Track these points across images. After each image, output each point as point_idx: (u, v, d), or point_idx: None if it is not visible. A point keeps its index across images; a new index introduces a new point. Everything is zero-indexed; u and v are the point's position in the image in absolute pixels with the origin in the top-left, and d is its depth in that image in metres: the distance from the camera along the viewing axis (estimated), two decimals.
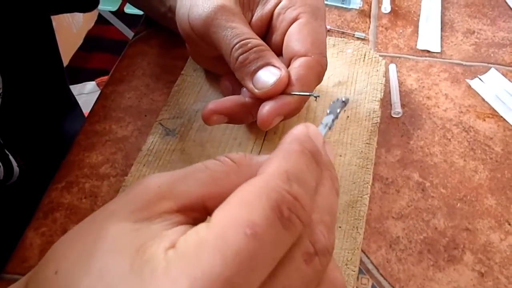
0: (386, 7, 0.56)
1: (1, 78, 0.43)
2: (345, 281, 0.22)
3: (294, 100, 0.35)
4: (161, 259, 0.18)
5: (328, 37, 0.45)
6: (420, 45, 0.52)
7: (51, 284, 0.20)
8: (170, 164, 0.41)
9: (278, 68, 0.35)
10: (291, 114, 0.37)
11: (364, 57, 0.47)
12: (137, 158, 0.41)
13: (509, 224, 0.39)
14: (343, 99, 0.28)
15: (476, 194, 0.41)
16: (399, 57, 0.51)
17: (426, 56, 0.51)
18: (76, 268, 0.20)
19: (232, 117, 0.38)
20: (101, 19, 1.86)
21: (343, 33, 0.54)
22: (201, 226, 0.19)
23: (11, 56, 0.46)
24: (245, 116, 0.38)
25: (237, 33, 0.36)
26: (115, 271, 0.19)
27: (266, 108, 0.35)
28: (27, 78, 0.50)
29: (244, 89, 0.37)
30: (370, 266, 0.37)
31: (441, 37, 0.53)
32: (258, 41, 0.36)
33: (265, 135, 0.42)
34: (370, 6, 0.57)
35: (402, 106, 0.47)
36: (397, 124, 0.45)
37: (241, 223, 0.18)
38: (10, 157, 0.45)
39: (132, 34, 0.56)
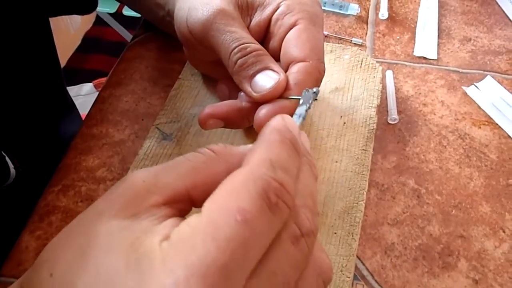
0: (384, 13, 0.56)
1: None
2: (331, 262, 0.24)
3: (292, 105, 0.35)
4: (157, 251, 0.19)
5: (325, 43, 0.45)
6: (417, 52, 0.53)
7: (46, 287, 0.20)
8: None
9: (277, 72, 0.35)
10: None
11: (361, 64, 0.47)
12: (133, 162, 0.42)
13: (504, 232, 0.39)
14: (314, 90, 0.31)
15: (471, 201, 0.41)
16: (396, 64, 0.52)
17: (422, 63, 0.52)
18: (71, 269, 0.20)
19: (229, 121, 0.38)
20: (99, 20, 1.86)
21: (340, 39, 0.54)
22: (192, 217, 0.20)
23: (8, 57, 0.46)
24: (241, 121, 0.38)
25: (236, 37, 0.36)
26: (112, 268, 0.19)
27: (263, 112, 0.35)
28: (24, 79, 0.50)
29: (241, 93, 0.38)
30: (365, 273, 0.37)
31: (438, 44, 0.53)
32: (257, 45, 0.36)
33: None
34: (368, 13, 0.57)
35: (399, 112, 0.47)
36: (393, 131, 0.46)
37: (231, 210, 0.19)
38: (7, 159, 0.44)
39: (130, 36, 0.56)
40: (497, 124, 0.46)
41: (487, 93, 0.48)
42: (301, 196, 0.23)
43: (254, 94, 0.35)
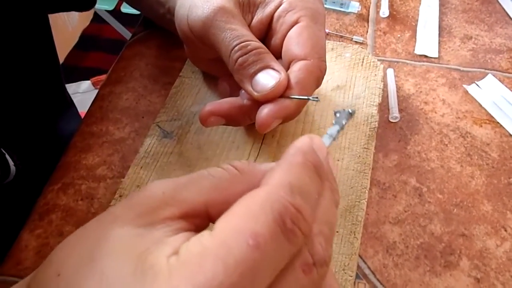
0: (385, 11, 0.56)
1: None
2: None
3: (293, 104, 0.35)
4: (163, 265, 0.18)
5: (326, 41, 0.44)
6: (418, 50, 0.52)
7: (53, 286, 0.20)
8: (167, 166, 0.40)
9: (278, 71, 0.35)
10: (289, 118, 0.37)
11: (363, 62, 0.47)
12: (134, 160, 0.41)
13: (505, 230, 0.39)
14: (350, 111, 0.29)
15: (473, 200, 0.41)
16: (397, 62, 0.51)
17: (423, 61, 0.52)
18: (78, 270, 0.20)
19: (230, 119, 0.38)
20: (96, 17, 1.86)
21: (341, 37, 0.54)
22: (204, 234, 0.19)
23: (7, 54, 0.46)
24: (242, 118, 0.38)
25: (236, 35, 0.36)
26: (117, 275, 0.19)
27: (264, 111, 0.35)
28: (23, 76, 0.50)
29: (242, 91, 0.37)
30: (367, 271, 0.37)
31: (439, 43, 0.53)
32: (258, 43, 0.36)
33: (263, 138, 0.42)
34: (369, 11, 0.57)
35: (400, 111, 0.47)
36: (394, 129, 0.45)
37: (244, 233, 0.18)
38: (7, 156, 0.44)
39: (128, 33, 0.56)
40: (498, 122, 0.46)
41: (488, 92, 0.48)
42: (318, 223, 0.22)
43: (255, 93, 0.35)
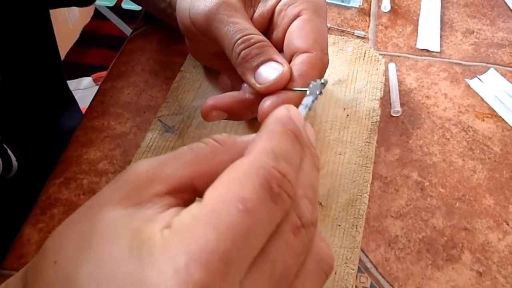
0: (386, 5, 0.56)
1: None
2: (332, 252, 0.23)
3: (296, 96, 0.35)
4: (158, 239, 0.19)
5: (328, 35, 0.44)
6: (420, 44, 0.52)
7: (50, 274, 0.20)
8: None
9: (281, 63, 0.35)
10: None
11: (364, 56, 0.47)
12: (136, 154, 0.41)
13: (507, 224, 0.39)
14: (322, 81, 0.30)
15: (475, 194, 0.41)
16: (399, 56, 0.51)
17: (425, 56, 0.51)
18: (74, 257, 0.20)
19: (232, 113, 0.37)
20: (97, 14, 1.85)
21: (343, 31, 0.53)
22: (194, 205, 0.20)
23: (9, 50, 0.46)
24: (244, 112, 0.37)
25: (239, 28, 0.35)
26: (113, 256, 0.19)
27: (267, 103, 0.35)
28: (25, 72, 0.50)
29: (245, 85, 0.37)
30: (369, 265, 0.37)
31: (441, 37, 0.53)
32: (261, 37, 0.36)
33: None
34: (370, 5, 0.57)
35: (402, 105, 0.47)
36: (396, 123, 0.45)
37: (233, 199, 0.19)
38: (9, 151, 0.44)
39: (129, 29, 0.56)
40: (500, 116, 0.46)
41: (490, 86, 0.48)
42: (302, 187, 0.23)
43: (258, 85, 0.35)
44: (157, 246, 0.19)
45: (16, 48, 0.47)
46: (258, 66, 0.35)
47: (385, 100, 0.47)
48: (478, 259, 0.37)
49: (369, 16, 0.56)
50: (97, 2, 1.66)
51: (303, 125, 0.25)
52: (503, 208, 0.40)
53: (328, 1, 0.56)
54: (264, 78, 0.35)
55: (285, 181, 0.21)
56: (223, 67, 0.41)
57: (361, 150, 0.40)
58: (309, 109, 0.29)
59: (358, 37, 0.53)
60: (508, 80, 0.48)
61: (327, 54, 0.37)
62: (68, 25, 1.78)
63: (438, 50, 0.52)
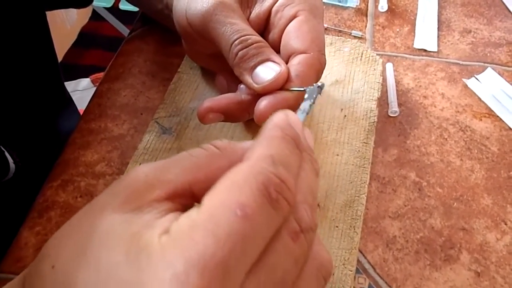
0: (383, 5, 0.56)
1: None
2: (331, 257, 0.24)
3: (293, 96, 0.35)
4: (156, 244, 0.19)
5: (325, 36, 0.44)
6: (417, 44, 0.52)
7: (48, 279, 0.20)
8: None
9: (278, 63, 0.35)
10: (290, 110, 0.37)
11: (361, 56, 0.47)
12: (133, 156, 0.41)
13: (505, 224, 0.39)
14: (319, 84, 0.30)
15: (473, 194, 0.41)
16: (396, 56, 0.51)
17: (423, 55, 0.51)
18: (72, 262, 0.20)
19: (228, 115, 0.37)
20: (95, 15, 1.85)
21: (340, 31, 0.53)
22: (192, 211, 0.20)
23: (5, 52, 0.46)
24: (241, 114, 0.37)
25: (237, 29, 0.36)
26: (111, 262, 0.19)
27: (263, 103, 0.35)
28: (21, 73, 0.50)
29: (241, 86, 0.37)
30: (367, 266, 0.37)
31: (438, 36, 0.53)
32: (258, 37, 0.36)
33: None
34: (367, 5, 0.57)
35: (399, 105, 0.47)
36: (394, 123, 0.45)
37: (231, 205, 0.19)
38: (6, 154, 0.44)
39: (127, 30, 0.56)
40: (497, 116, 0.46)
41: (487, 85, 0.48)
42: (301, 192, 0.23)
43: (255, 85, 0.35)
44: (155, 251, 0.18)
45: (12, 50, 0.47)
46: (255, 66, 0.35)
47: (383, 100, 0.47)
48: (476, 259, 0.37)
49: (366, 16, 0.56)
50: (94, 3, 1.66)
51: (301, 130, 0.25)
52: (501, 208, 0.40)
53: (325, 1, 0.56)
54: (261, 78, 0.35)
55: (284, 187, 0.21)
56: (220, 68, 0.41)
57: (359, 150, 0.40)
58: (307, 114, 0.28)
59: (355, 37, 0.53)
60: (505, 80, 0.48)
61: (324, 55, 0.37)
62: (66, 26, 1.78)
63: (436, 50, 0.52)
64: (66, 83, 0.65)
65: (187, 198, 0.23)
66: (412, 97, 0.47)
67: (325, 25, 0.54)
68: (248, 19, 0.39)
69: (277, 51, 0.38)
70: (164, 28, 0.51)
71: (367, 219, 0.39)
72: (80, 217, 0.22)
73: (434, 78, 0.49)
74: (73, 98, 0.68)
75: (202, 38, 0.38)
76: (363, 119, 0.42)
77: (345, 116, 0.42)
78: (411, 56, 0.51)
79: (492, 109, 0.46)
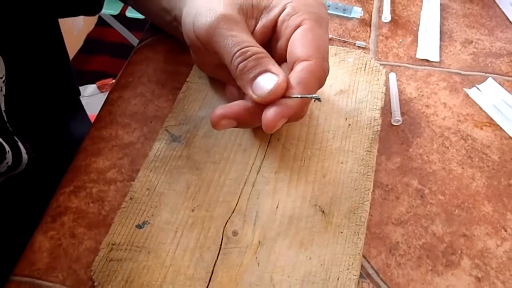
0: (387, 16, 0.57)
1: (5, 66, 0.44)
2: None
3: (296, 103, 0.36)
4: None
5: (330, 46, 0.46)
6: (420, 55, 0.53)
7: None
8: (176, 170, 0.42)
9: (276, 74, 0.36)
10: (295, 117, 0.38)
11: (365, 66, 0.48)
12: (144, 163, 0.42)
13: (506, 231, 0.40)
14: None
15: (474, 201, 0.42)
16: (399, 66, 0.52)
17: (425, 65, 0.53)
18: None
19: (240, 121, 0.39)
20: (101, 21, 1.87)
21: (344, 41, 0.55)
22: None
23: (21, 53, 0.47)
24: (252, 120, 0.38)
25: (237, 41, 0.37)
26: None
27: (269, 112, 0.36)
28: (37, 73, 0.52)
29: None
30: (370, 271, 0.38)
31: (440, 47, 0.54)
32: (258, 48, 0.37)
33: (269, 142, 0.43)
34: (371, 16, 0.58)
35: (402, 114, 0.48)
36: (397, 132, 0.47)
37: None
38: (20, 143, 0.45)
39: (134, 37, 0.57)
40: (498, 125, 0.47)
41: (488, 95, 0.49)
42: None
43: (255, 97, 0.36)
44: None
45: (27, 52, 0.49)
46: (255, 77, 0.36)
47: (386, 110, 0.48)
48: (477, 265, 0.38)
49: (370, 26, 0.57)
50: (102, 11, 1.67)
51: None
52: (501, 215, 0.41)
53: (330, 11, 0.58)
54: (260, 89, 0.36)
55: None
56: (228, 78, 0.42)
57: (363, 159, 0.42)
58: None
59: (359, 47, 0.54)
60: (506, 90, 0.50)
61: (328, 62, 0.38)
62: (72, 32, 1.80)
63: (438, 60, 0.53)
64: None
65: None
66: (414, 106, 0.49)
67: (330, 36, 0.55)
68: (254, 29, 0.40)
69: (284, 60, 0.39)
70: (173, 37, 0.52)
71: (371, 225, 0.40)
72: None
73: (436, 88, 0.50)
74: None
75: (209, 50, 0.39)
76: (367, 128, 0.44)
77: (350, 125, 0.44)
78: (414, 66, 0.52)
79: (493, 118, 0.47)
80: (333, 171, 0.41)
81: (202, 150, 0.43)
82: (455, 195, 0.42)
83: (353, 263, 0.36)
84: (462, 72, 0.52)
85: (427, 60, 0.53)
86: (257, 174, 0.41)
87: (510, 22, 0.57)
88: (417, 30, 0.56)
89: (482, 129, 0.47)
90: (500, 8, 0.59)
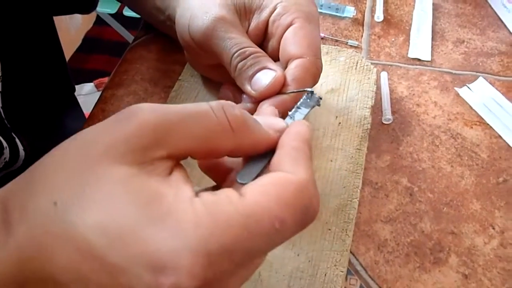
0: (379, 16, 0.57)
1: (1, 63, 0.45)
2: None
3: (290, 98, 0.37)
4: (188, 209, 0.20)
5: (321, 45, 0.46)
6: (411, 54, 0.54)
7: (51, 216, 0.20)
8: None
9: (274, 70, 0.37)
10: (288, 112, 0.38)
11: (356, 65, 0.48)
12: None
13: (493, 228, 0.40)
14: (319, 97, 0.33)
15: (462, 199, 0.42)
16: (391, 65, 0.53)
17: (416, 65, 0.53)
18: (81, 203, 0.20)
19: None
20: (99, 20, 1.87)
21: (336, 41, 0.55)
22: (234, 196, 0.21)
23: (17, 49, 0.48)
24: None
25: (235, 42, 0.38)
26: (130, 217, 0.20)
27: (264, 106, 0.36)
28: (33, 70, 0.52)
29: (245, 96, 0.39)
30: (358, 267, 0.38)
31: (432, 46, 0.55)
32: (255, 48, 0.38)
33: None
34: (364, 15, 0.58)
35: (393, 113, 0.48)
36: (387, 131, 0.47)
37: (273, 216, 0.21)
38: (17, 140, 0.46)
39: (131, 36, 0.58)
40: (488, 124, 0.47)
41: (479, 94, 0.50)
42: None
43: (253, 92, 0.37)
44: (188, 217, 0.20)
45: (23, 49, 0.49)
46: (253, 74, 0.37)
47: (377, 108, 0.48)
48: (464, 262, 0.39)
49: (363, 26, 0.57)
50: (99, 9, 1.68)
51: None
52: (489, 213, 0.41)
53: (323, 11, 0.58)
54: (258, 84, 0.37)
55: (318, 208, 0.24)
56: (221, 77, 0.43)
57: (352, 156, 0.42)
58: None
59: (351, 46, 0.54)
60: (496, 89, 0.50)
61: (320, 59, 0.38)
62: (70, 31, 1.80)
63: (429, 59, 0.53)
64: None
65: (183, 157, 0.24)
66: (405, 105, 0.49)
67: (322, 35, 0.55)
68: (247, 30, 0.41)
69: (277, 58, 0.40)
70: (167, 36, 0.53)
71: (360, 223, 0.41)
72: (76, 153, 0.22)
73: (427, 87, 0.51)
74: None
75: (205, 52, 0.40)
76: (357, 126, 0.44)
77: (340, 123, 0.44)
78: (405, 65, 0.53)
79: (483, 117, 0.48)
80: (322, 169, 0.41)
81: None
82: (444, 193, 0.43)
83: (341, 259, 0.36)
84: (453, 72, 0.52)
85: (419, 60, 0.53)
86: None
87: (502, 22, 0.58)
88: (410, 29, 0.57)
89: (472, 128, 0.47)
90: (492, 8, 0.59)
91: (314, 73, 0.38)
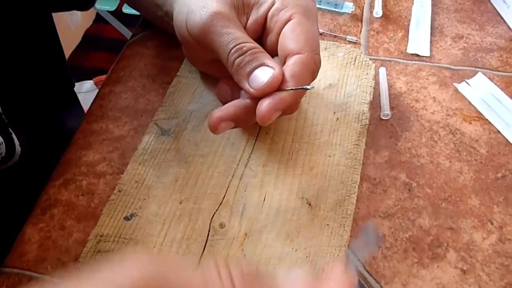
0: (378, 11, 0.57)
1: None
2: None
3: (290, 96, 0.36)
4: None
5: (320, 41, 0.46)
6: (410, 49, 0.54)
7: None
8: (164, 163, 0.42)
9: (272, 67, 0.36)
10: (289, 110, 0.38)
11: (355, 61, 0.48)
12: (133, 157, 0.43)
13: (491, 224, 0.40)
14: (379, 234, 0.36)
15: (461, 195, 0.42)
16: (390, 61, 0.53)
17: (415, 60, 0.53)
18: None
19: (238, 121, 0.39)
20: (99, 18, 1.87)
21: (335, 36, 0.55)
22: None
23: (15, 47, 0.48)
24: (250, 118, 0.38)
25: (233, 38, 0.37)
26: None
27: (264, 104, 0.36)
28: (31, 67, 0.52)
29: (243, 92, 0.39)
30: (356, 263, 0.38)
31: (431, 42, 0.55)
32: (253, 44, 0.38)
33: (257, 136, 0.43)
34: (362, 10, 0.58)
35: (391, 108, 0.48)
36: (385, 126, 0.47)
37: None
38: (13, 135, 0.46)
39: (130, 33, 0.57)
40: (487, 119, 0.47)
41: (477, 90, 0.49)
42: None
43: (252, 90, 0.36)
44: None
45: (21, 45, 0.49)
46: (251, 72, 0.37)
47: (375, 104, 0.48)
48: (463, 257, 0.39)
49: (361, 21, 0.57)
50: (98, 7, 1.67)
51: None
52: (488, 208, 0.41)
53: (322, 7, 0.58)
54: (256, 82, 0.36)
55: None
56: (219, 73, 0.43)
57: (350, 152, 0.42)
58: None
59: (350, 42, 0.54)
60: (495, 84, 0.50)
61: (319, 54, 0.38)
62: (70, 28, 1.80)
63: (428, 55, 0.53)
64: None
65: None
66: (404, 101, 0.49)
67: (321, 30, 0.55)
68: (245, 25, 0.40)
69: (276, 54, 0.39)
70: (164, 32, 0.53)
71: (358, 218, 0.41)
72: None
73: (426, 82, 0.50)
74: None
75: (202, 47, 0.40)
76: (355, 121, 0.44)
77: (338, 118, 0.44)
78: (404, 61, 0.53)
79: (482, 112, 0.48)
80: (320, 164, 0.41)
81: (190, 144, 0.43)
82: (442, 188, 0.43)
83: (339, 255, 0.36)
84: (452, 67, 0.52)
85: (418, 55, 0.53)
86: (245, 167, 0.41)
87: (501, 17, 0.57)
88: (408, 25, 0.57)
89: (470, 123, 0.47)
90: (491, 3, 0.59)
91: (312, 69, 0.38)
